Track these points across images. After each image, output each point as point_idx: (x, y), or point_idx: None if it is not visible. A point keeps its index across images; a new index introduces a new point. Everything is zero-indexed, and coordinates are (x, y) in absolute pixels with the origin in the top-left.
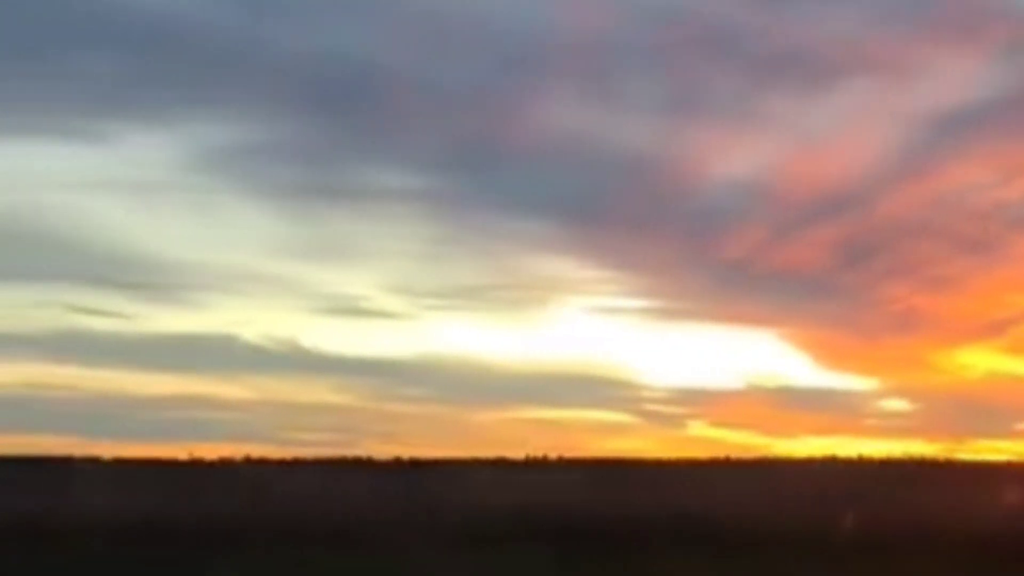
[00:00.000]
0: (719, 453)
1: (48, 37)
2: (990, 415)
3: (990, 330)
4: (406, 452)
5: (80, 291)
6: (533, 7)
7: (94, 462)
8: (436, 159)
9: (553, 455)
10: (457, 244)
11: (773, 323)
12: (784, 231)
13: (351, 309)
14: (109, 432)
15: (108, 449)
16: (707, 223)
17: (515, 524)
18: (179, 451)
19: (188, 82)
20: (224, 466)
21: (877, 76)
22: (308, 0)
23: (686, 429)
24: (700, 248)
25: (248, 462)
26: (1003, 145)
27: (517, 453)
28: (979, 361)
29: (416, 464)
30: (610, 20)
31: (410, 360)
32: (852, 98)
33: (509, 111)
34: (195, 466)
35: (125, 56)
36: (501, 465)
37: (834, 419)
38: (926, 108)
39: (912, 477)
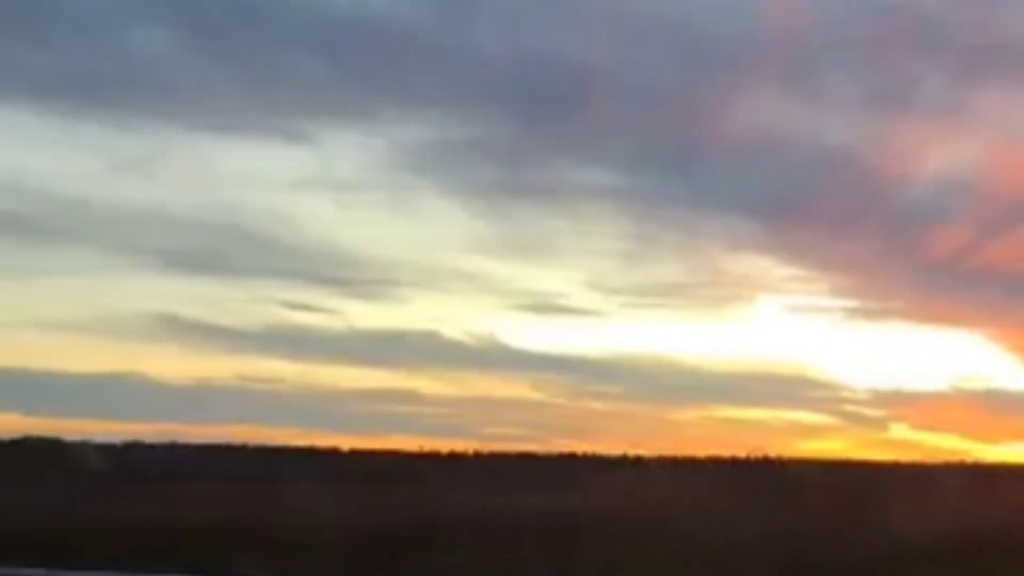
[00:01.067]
0: (922, 457)
1: (255, 39)
2: None
3: None
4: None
5: (290, 287)
6: (735, 4)
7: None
8: (636, 157)
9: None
10: (655, 242)
11: (979, 324)
12: (991, 230)
13: (549, 306)
14: (316, 423)
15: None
16: (911, 221)
17: None
18: (381, 443)
19: (390, 82)
20: None
21: None
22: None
23: (888, 432)
24: (903, 247)
25: None
26: None
27: (717, 452)
28: None
29: None
30: (812, 16)
31: (605, 358)
32: None
33: (709, 109)
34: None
35: (328, 57)
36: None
37: None
38: None
39: None
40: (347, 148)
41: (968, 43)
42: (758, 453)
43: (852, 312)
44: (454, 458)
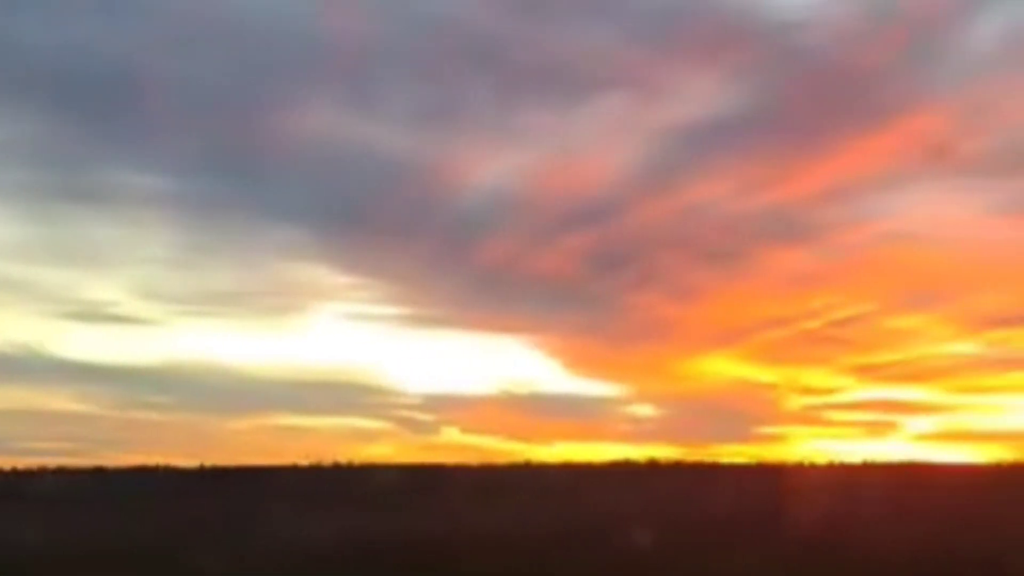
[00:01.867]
0: (472, 459)
1: None
2: (731, 420)
3: (731, 338)
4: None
5: None
6: (293, 10)
7: None
8: (190, 163)
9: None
10: (210, 250)
11: (525, 330)
12: (537, 240)
13: (97, 315)
14: None
15: None
16: (462, 231)
17: None
18: None
19: None
20: None
21: (629, 91)
22: None
23: (439, 435)
24: (455, 256)
25: None
26: (745, 159)
27: (271, 460)
28: (720, 368)
29: None
30: (372, 26)
31: (158, 367)
32: (605, 111)
33: (266, 115)
34: None
35: None
36: None
37: (584, 424)
38: (674, 123)
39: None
40: None
41: (517, 60)
42: (316, 460)
43: (405, 319)
44: None
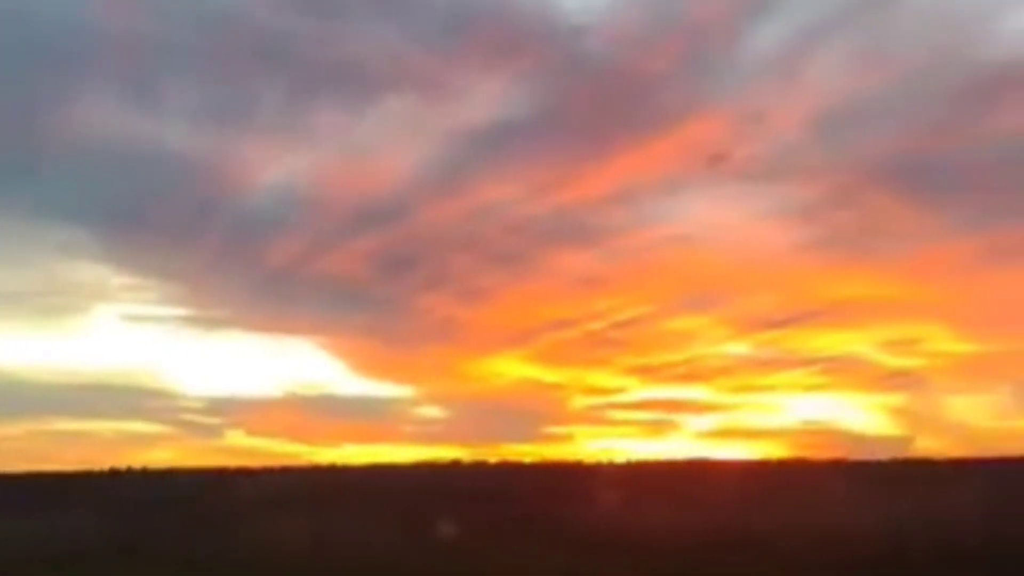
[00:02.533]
0: (257, 462)
1: None
2: (519, 420)
3: (518, 340)
4: None
5: None
6: (72, 5)
7: None
8: None
9: None
10: None
11: (312, 332)
12: (325, 241)
13: None
14: None
15: None
16: (248, 232)
17: None
18: None
19: None
20: None
21: (419, 92)
22: None
23: (224, 439)
24: (239, 257)
25: None
26: (533, 162)
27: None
28: (508, 369)
29: None
30: (154, 22)
31: None
32: (394, 112)
33: (44, 112)
34: None
35: None
36: None
37: (371, 426)
38: (463, 125)
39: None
40: None
41: (306, 58)
42: (90, 466)
43: (189, 320)
44: None
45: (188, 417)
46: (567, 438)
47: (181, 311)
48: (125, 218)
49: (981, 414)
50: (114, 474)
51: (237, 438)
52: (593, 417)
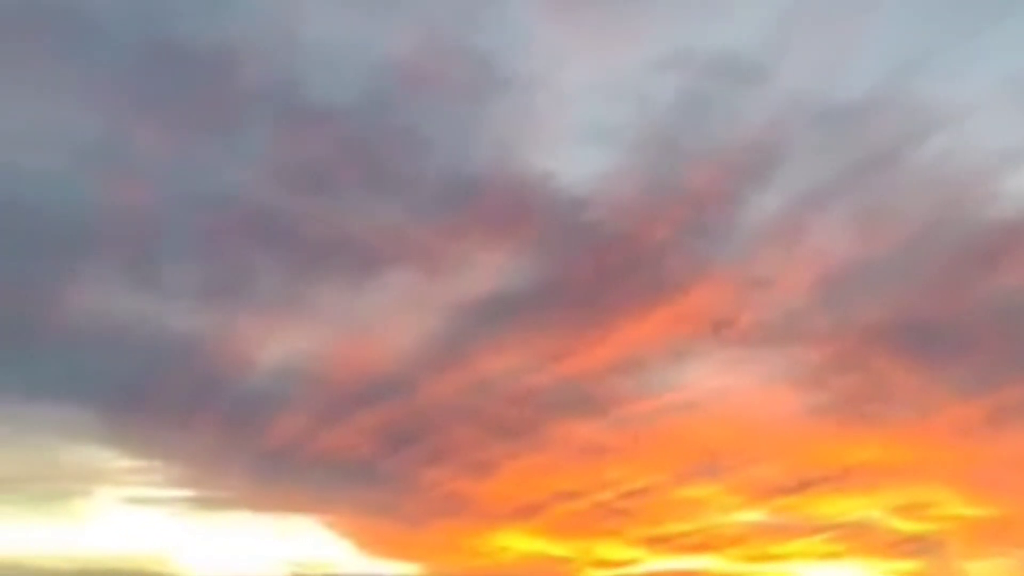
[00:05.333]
0: None
1: None
2: None
3: (525, 513)
4: None
5: None
6: (72, 183)
7: None
8: None
9: None
10: None
11: (316, 510)
12: (327, 418)
13: None
14: None
15: None
16: (249, 411)
17: None
18: None
19: None
20: None
21: (419, 267)
22: None
23: None
24: (243, 436)
25: None
26: (536, 333)
27: None
28: (515, 543)
29: None
30: (153, 200)
31: None
32: (395, 287)
33: (40, 290)
34: None
35: None
36: None
37: None
38: (464, 298)
39: None
40: None
41: (307, 236)
42: None
43: (191, 502)
44: None
45: None
46: None
47: (185, 492)
48: (125, 398)
49: None
50: None
51: None
52: None
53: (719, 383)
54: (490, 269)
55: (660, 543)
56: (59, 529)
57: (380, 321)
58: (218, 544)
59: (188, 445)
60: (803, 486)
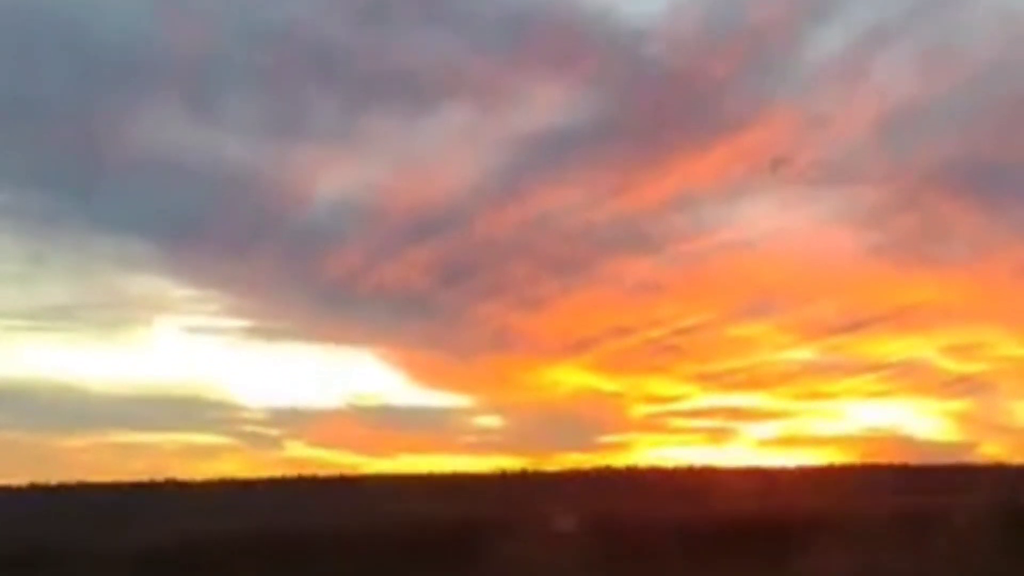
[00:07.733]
0: (314, 472)
1: None
2: (575, 429)
3: (577, 348)
4: None
5: None
6: (132, 20)
7: None
8: (27, 175)
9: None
10: (49, 263)
11: (371, 343)
12: (383, 252)
13: None
14: None
15: None
16: (307, 243)
17: None
18: None
19: None
20: None
21: (476, 101)
22: None
23: (284, 450)
24: (300, 268)
25: None
26: (592, 169)
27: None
28: (566, 378)
29: None
30: (211, 36)
31: None
32: (451, 121)
33: (105, 126)
34: None
35: None
36: None
37: (430, 437)
38: (520, 133)
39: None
40: None
41: (361, 69)
42: (156, 476)
43: (250, 332)
44: None
45: (249, 428)
46: (625, 446)
47: (242, 323)
48: (186, 230)
49: None
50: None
51: (297, 449)
52: (652, 425)
53: (775, 222)
54: (547, 104)
55: (710, 380)
56: (120, 356)
57: (436, 155)
58: (273, 373)
59: (246, 276)
60: (856, 326)
